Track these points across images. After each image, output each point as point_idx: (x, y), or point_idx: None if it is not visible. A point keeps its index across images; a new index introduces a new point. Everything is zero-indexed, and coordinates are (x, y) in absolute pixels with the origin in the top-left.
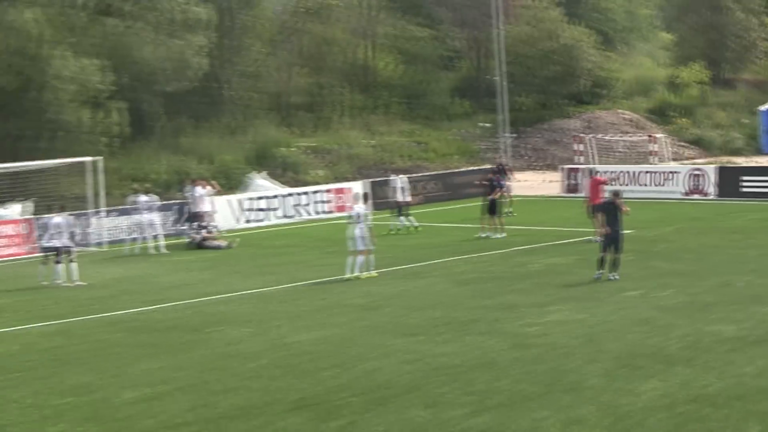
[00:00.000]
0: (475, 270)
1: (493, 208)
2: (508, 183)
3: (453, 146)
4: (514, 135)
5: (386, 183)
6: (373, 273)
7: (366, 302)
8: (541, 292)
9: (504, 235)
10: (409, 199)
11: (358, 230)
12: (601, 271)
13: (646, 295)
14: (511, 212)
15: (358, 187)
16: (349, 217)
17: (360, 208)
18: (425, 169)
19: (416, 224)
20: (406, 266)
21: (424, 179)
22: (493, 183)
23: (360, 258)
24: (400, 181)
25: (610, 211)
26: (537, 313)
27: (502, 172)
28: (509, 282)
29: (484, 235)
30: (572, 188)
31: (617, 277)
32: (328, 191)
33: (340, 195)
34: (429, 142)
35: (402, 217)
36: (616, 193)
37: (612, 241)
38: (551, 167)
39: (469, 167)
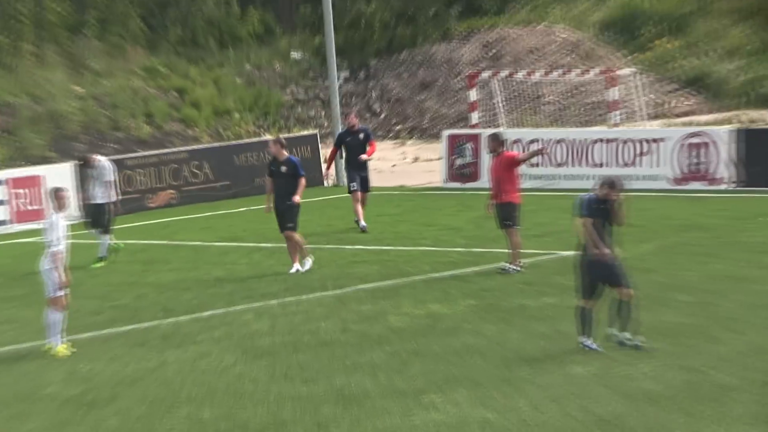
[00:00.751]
0: (283, 328)
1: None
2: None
3: (237, 97)
4: (350, 76)
5: (88, 169)
6: (61, 348)
7: (80, 392)
8: (404, 372)
9: (306, 264)
10: (114, 198)
11: (46, 261)
12: (586, 340)
13: (605, 372)
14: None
15: (58, 174)
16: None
17: (55, 217)
18: (184, 140)
19: (116, 242)
20: (157, 322)
21: (177, 160)
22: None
23: (54, 314)
24: (109, 167)
25: (599, 215)
26: (401, 410)
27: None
28: (346, 351)
29: (293, 270)
30: (462, 173)
31: (640, 341)
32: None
33: (25, 190)
34: (190, 89)
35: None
36: (611, 183)
37: (605, 272)
38: (424, 135)
39: (274, 135)
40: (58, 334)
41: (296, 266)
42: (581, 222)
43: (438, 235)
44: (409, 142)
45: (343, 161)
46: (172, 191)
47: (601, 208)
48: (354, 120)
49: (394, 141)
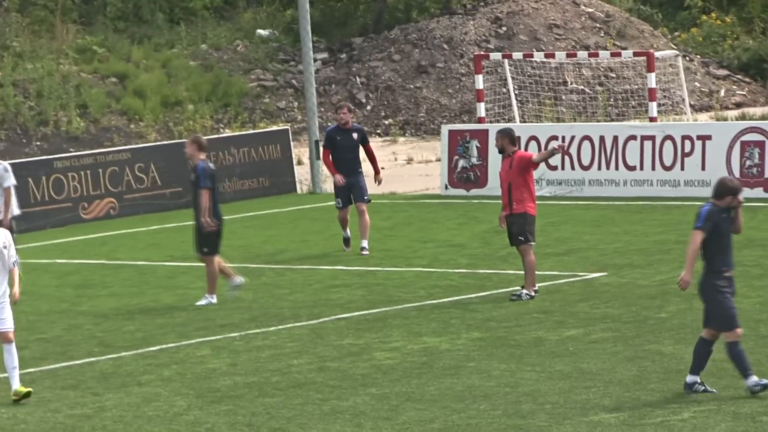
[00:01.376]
0: (247, 366)
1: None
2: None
3: (191, 84)
4: (330, 58)
5: None
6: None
7: None
8: (394, 420)
9: (240, 281)
10: (17, 212)
11: None
12: (700, 383)
13: (638, 419)
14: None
15: None
16: None
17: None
18: (125, 137)
19: None
20: (93, 359)
21: (117, 161)
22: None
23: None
24: (6, 169)
25: (724, 225)
26: None
27: None
28: (324, 394)
29: (202, 302)
30: (466, 178)
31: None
32: None
33: None
34: (133, 74)
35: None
36: (733, 190)
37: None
38: (420, 131)
39: (236, 131)
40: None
41: (209, 298)
42: (693, 235)
43: (436, 253)
44: (402, 139)
45: (318, 163)
46: (111, 199)
47: (724, 218)
48: (346, 115)
49: (384, 138)
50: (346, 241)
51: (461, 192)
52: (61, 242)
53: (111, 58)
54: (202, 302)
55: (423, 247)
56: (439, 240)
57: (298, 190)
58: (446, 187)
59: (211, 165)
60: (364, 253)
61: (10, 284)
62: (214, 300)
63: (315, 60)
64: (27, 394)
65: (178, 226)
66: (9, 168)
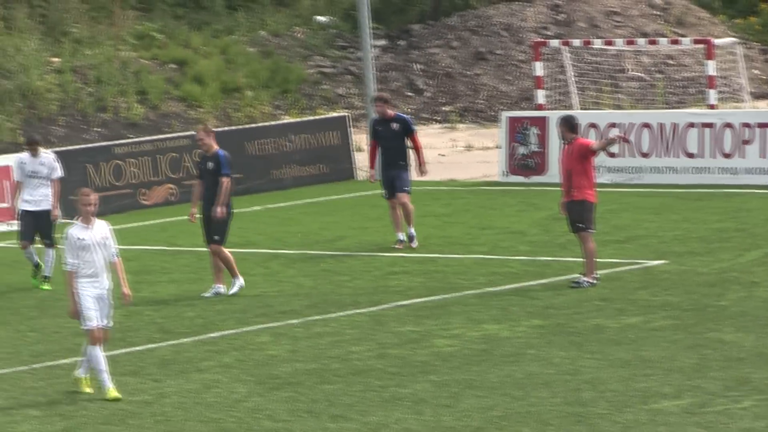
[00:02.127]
0: (307, 353)
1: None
2: None
3: (250, 71)
4: (388, 44)
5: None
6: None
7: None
8: (454, 407)
9: (220, 290)
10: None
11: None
12: None
13: (699, 407)
14: None
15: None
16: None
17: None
18: (185, 123)
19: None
20: (153, 345)
21: (177, 148)
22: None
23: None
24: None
25: None
26: None
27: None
28: (384, 381)
29: (210, 293)
30: (525, 165)
31: None
32: None
33: None
34: (192, 61)
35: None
36: None
37: None
38: (479, 118)
39: (294, 117)
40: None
41: (218, 287)
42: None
43: (496, 240)
44: (461, 126)
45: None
46: (170, 186)
47: None
48: (381, 108)
49: (443, 125)
50: (399, 242)
51: (520, 179)
52: (120, 228)
53: (170, 44)
54: (234, 289)
55: (482, 234)
56: (498, 227)
57: (357, 177)
58: (505, 174)
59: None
60: (413, 244)
61: (117, 281)
62: (242, 280)
63: (374, 47)
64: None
65: (237, 213)
66: (58, 160)
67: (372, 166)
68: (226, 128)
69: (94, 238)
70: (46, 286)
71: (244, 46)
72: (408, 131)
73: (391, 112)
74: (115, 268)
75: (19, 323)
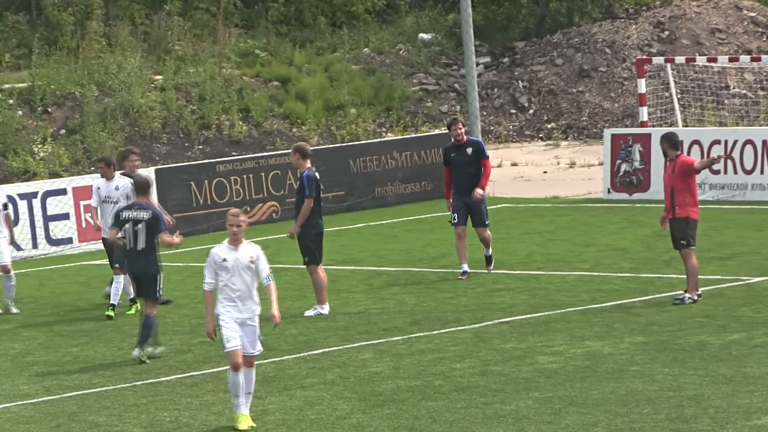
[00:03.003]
0: (410, 369)
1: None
2: None
3: (353, 88)
4: (492, 62)
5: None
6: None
7: None
8: (557, 424)
9: (323, 311)
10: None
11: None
12: None
13: None
14: None
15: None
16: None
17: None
18: (288, 141)
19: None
20: (257, 363)
21: (279, 165)
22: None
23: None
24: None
25: None
26: None
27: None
28: (487, 398)
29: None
30: (629, 182)
31: None
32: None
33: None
34: (295, 78)
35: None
36: None
37: None
38: (582, 135)
39: (398, 135)
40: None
41: (319, 308)
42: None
43: (599, 257)
44: (564, 143)
45: None
46: (273, 203)
47: None
48: (460, 130)
49: (546, 142)
50: (464, 273)
51: (624, 196)
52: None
53: (273, 61)
54: (310, 313)
55: (585, 251)
56: (601, 244)
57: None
58: (609, 191)
59: (316, 173)
60: (489, 268)
61: (267, 303)
62: (325, 310)
63: (477, 64)
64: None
65: (340, 230)
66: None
67: (448, 196)
68: (329, 146)
69: (240, 261)
70: (131, 311)
71: (348, 63)
72: (481, 155)
73: (465, 136)
74: (267, 291)
75: (121, 340)
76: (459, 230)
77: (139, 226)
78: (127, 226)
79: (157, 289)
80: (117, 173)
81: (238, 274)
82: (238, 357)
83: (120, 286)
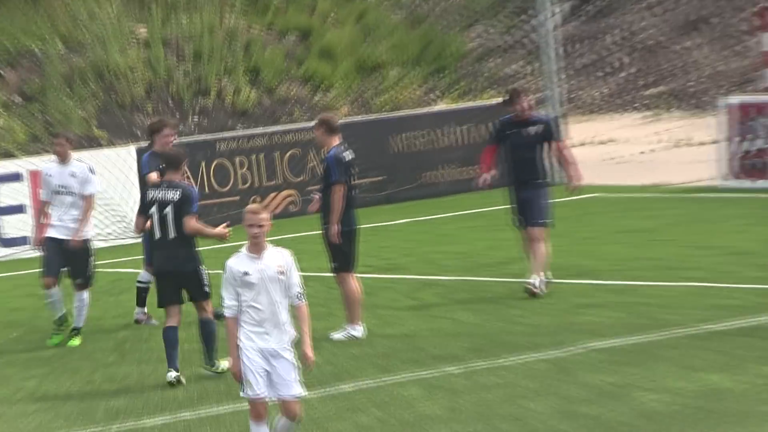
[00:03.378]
0: (470, 410)
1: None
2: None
3: (394, 44)
4: (575, 11)
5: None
6: None
7: None
8: None
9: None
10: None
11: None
12: None
13: None
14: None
15: (114, 164)
16: None
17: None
18: (309, 111)
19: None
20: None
21: (299, 143)
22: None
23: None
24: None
25: None
26: None
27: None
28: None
29: (339, 335)
30: (753, 165)
31: None
32: None
33: None
34: (318, 30)
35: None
36: None
37: None
38: (690, 104)
39: (453, 103)
40: None
41: (350, 330)
42: None
43: (715, 263)
44: (667, 115)
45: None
46: (290, 191)
47: None
48: (525, 102)
49: (644, 113)
50: (533, 286)
51: (746, 183)
52: (226, 246)
53: (290, 9)
54: (339, 335)
55: (698, 255)
56: (718, 246)
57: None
58: (726, 177)
59: (347, 153)
60: (539, 291)
61: (300, 330)
62: (357, 333)
63: (554, 12)
64: None
65: (378, 227)
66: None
67: (485, 170)
68: (363, 117)
69: (265, 272)
70: (76, 341)
71: (387, 12)
72: (550, 137)
73: (531, 112)
74: (297, 315)
75: (92, 371)
76: (529, 233)
77: (167, 209)
78: (153, 209)
79: (204, 284)
80: (74, 157)
81: (265, 291)
82: (262, 406)
83: (84, 303)
